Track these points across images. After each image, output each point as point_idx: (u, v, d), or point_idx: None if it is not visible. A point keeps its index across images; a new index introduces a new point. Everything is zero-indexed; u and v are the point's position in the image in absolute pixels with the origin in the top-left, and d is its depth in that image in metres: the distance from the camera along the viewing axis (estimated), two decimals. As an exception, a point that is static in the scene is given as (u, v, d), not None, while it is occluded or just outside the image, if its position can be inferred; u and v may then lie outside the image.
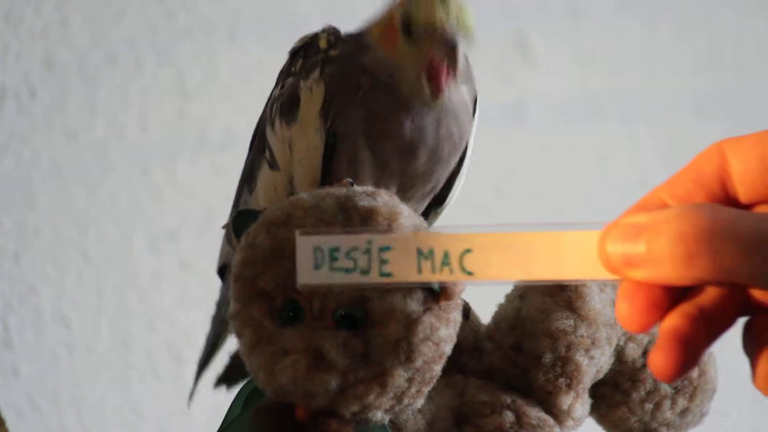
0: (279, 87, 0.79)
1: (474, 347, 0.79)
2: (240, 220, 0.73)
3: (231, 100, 1.43)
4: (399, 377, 0.69)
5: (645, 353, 0.80)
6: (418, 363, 0.70)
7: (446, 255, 0.61)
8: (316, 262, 0.63)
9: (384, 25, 0.75)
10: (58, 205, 1.39)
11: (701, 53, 1.59)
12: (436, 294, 0.70)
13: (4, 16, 1.37)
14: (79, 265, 1.40)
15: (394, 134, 0.76)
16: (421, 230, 0.71)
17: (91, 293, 1.40)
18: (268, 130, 0.78)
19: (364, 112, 0.76)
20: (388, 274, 0.62)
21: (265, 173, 0.79)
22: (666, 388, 0.81)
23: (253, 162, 0.81)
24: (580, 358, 0.77)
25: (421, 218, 0.74)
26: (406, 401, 0.70)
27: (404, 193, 0.78)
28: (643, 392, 0.80)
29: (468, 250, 0.61)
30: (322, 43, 0.77)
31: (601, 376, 0.79)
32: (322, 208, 0.71)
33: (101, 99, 1.40)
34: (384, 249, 0.63)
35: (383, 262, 0.63)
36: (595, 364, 0.78)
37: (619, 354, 0.80)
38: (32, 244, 1.38)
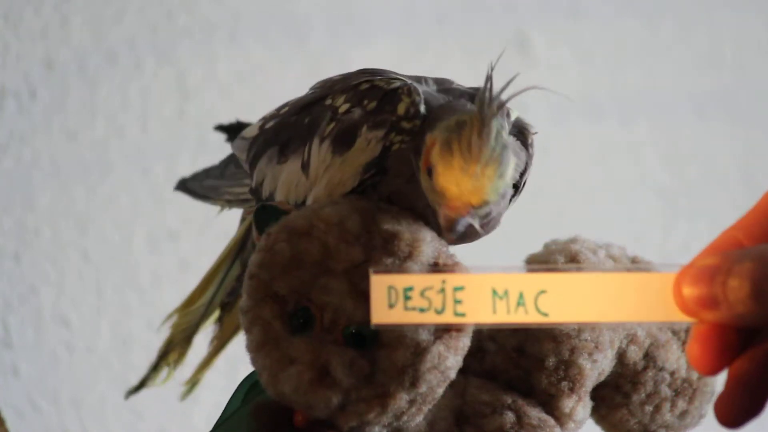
0: (346, 105, 0.76)
1: (476, 348, 0.79)
2: (263, 215, 0.74)
3: (231, 100, 1.43)
4: (401, 400, 0.70)
5: (646, 356, 0.80)
6: (422, 389, 0.70)
7: (521, 296, 0.62)
8: (390, 301, 0.64)
9: (426, 146, 0.71)
10: (58, 205, 1.39)
11: (701, 53, 1.59)
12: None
13: (4, 16, 1.37)
14: (79, 265, 1.39)
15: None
16: (442, 254, 0.72)
17: (91, 293, 1.40)
18: (316, 141, 0.76)
19: (398, 197, 0.74)
20: (463, 314, 0.63)
21: (295, 166, 0.78)
22: (666, 391, 0.81)
23: (293, 140, 0.79)
24: (584, 362, 0.77)
25: (443, 241, 0.74)
26: (405, 419, 0.71)
27: None
28: (643, 394, 0.80)
29: (543, 291, 0.62)
30: (401, 109, 0.73)
31: (602, 378, 0.79)
32: (346, 227, 0.71)
33: (101, 99, 1.40)
34: (458, 288, 0.63)
35: (457, 301, 0.63)
36: (597, 367, 0.78)
37: (621, 356, 0.80)
38: (32, 244, 1.38)
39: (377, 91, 0.75)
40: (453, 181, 0.68)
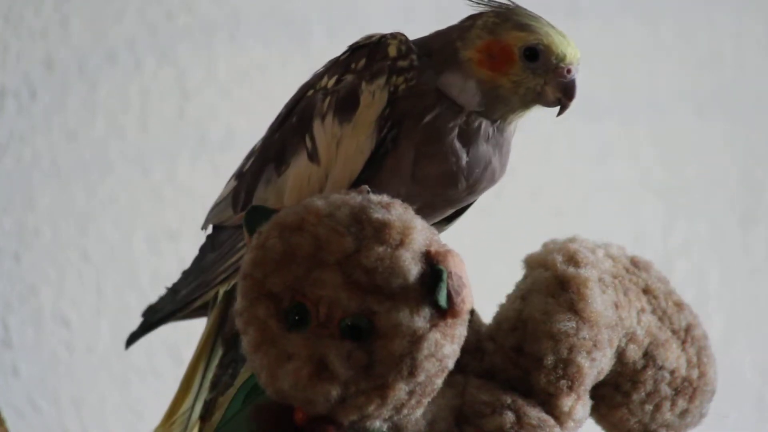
0: (333, 79, 0.76)
1: (475, 347, 0.79)
2: (253, 216, 0.74)
3: (231, 100, 1.43)
4: (400, 390, 0.70)
5: (645, 354, 0.80)
6: (421, 378, 0.70)
7: None
8: None
9: (487, 47, 0.74)
10: (58, 205, 1.39)
11: (701, 53, 1.59)
12: (443, 311, 0.70)
13: (4, 16, 1.37)
14: (79, 265, 1.39)
15: (446, 162, 0.75)
16: (434, 241, 0.72)
17: (91, 293, 1.40)
18: (317, 122, 0.76)
19: (424, 135, 0.74)
20: None
21: (301, 162, 0.77)
22: (666, 390, 0.81)
23: (288, 144, 0.79)
24: (582, 361, 0.77)
25: (433, 230, 0.74)
26: (405, 411, 0.71)
27: (433, 211, 0.77)
28: (643, 393, 0.80)
29: None
30: (392, 51, 0.74)
31: (602, 377, 0.79)
32: (337, 218, 0.71)
33: (101, 99, 1.40)
34: None
35: None
36: (596, 366, 0.78)
37: (620, 355, 0.80)
38: (32, 244, 1.38)
39: (362, 50, 0.76)
40: (561, 44, 0.73)
